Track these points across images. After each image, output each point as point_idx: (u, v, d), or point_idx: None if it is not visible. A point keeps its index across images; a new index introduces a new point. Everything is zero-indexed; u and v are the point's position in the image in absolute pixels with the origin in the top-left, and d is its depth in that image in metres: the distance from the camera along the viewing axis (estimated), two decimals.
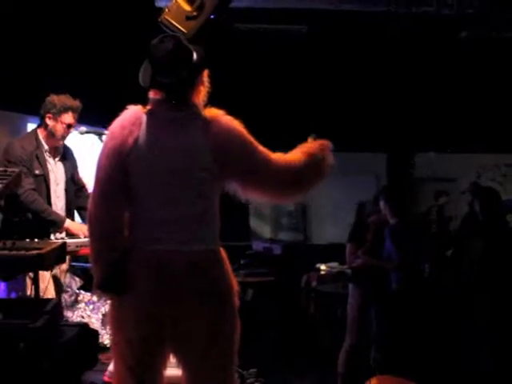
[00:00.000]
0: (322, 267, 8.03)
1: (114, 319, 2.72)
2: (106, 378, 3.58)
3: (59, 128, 4.58)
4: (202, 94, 2.80)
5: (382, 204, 5.57)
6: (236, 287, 2.76)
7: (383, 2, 6.20)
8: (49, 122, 4.58)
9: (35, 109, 4.88)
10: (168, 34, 2.87)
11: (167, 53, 2.70)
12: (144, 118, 2.71)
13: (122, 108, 2.81)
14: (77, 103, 4.65)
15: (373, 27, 7.04)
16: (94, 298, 5.34)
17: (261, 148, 2.78)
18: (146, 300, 2.61)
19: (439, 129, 9.29)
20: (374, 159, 9.98)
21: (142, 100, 2.90)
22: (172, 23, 4.37)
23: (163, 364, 2.78)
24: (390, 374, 4.49)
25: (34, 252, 2.37)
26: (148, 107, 2.78)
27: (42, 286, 3.82)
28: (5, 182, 2.47)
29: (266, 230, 10.18)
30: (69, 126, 4.61)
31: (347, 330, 5.60)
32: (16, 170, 2.65)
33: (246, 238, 9.17)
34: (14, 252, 2.38)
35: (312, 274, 8.02)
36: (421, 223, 7.68)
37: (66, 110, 4.57)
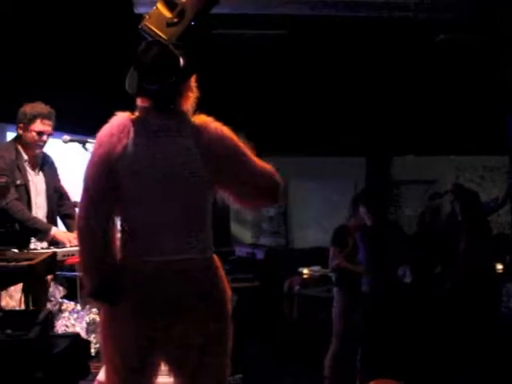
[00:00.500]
0: (305, 271, 8.05)
1: (105, 328, 2.69)
2: None
3: (30, 137, 4.50)
4: (190, 100, 2.76)
5: (361, 207, 5.57)
6: (229, 294, 2.75)
7: (363, 8, 6.24)
8: (21, 132, 4.53)
9: (14, 117, 4.82)
10: (154, 40, 2.81)
11: (153, 59, 2.67)
12: (132, 125, 2.67)
13: (106, 116, 2.78)
14: (46, 109, 4.55)
15: (352, 32, 7.08)
16: (78, 307, 5.31)
17: (250, 154, 2.76)
18: (140, 310, 2.58)
19: (417, 132, 9.35)
20: (353, 163, 10.02)
21: (127, 107, 2.88)
22: (153, 30, 4.35)
23: (155, 372, 2.76)
24: (376, 377, 4.50)
25: (25, 263, 2.34)
26: (136, 114, 2.75)
27: (16, 296, 3.75)
28: None
29: (247, 235, 10.18)
30: (40, 134, 4.52)
31: (333, 333, 5.61)
32: (3, 180, 2.61)
33: (228, 243, 9.15)
34: (4, 263, 2.35)
35: (295, 278, 8.03)
36: (399, 226, 7.66)
37: (34, 117, 4.49)
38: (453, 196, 6.08)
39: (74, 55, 6.37)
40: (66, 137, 4.35)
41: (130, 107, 2.83)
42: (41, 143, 4.57)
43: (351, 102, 8.79)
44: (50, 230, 4.44)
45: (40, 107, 4.53)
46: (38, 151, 4.61)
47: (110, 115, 2.77)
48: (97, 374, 3.65)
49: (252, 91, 8.21)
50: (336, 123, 9.01)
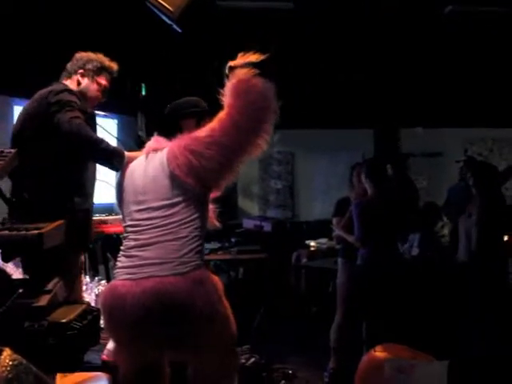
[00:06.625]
0: (312, 244, 8.08)
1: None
2: (104, 357, 3.60)
3: (94, 89, 3.76)
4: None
5: (363, 178, 5.54)
6: (220, 311, 2.80)
7: None
8: (80, 78, 3.74)
9: (20, 91, 4.77)
10: None
11: None
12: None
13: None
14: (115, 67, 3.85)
15: (358, 3, 7.02)
16: (87, 279, 5.34)
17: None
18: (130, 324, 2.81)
19: (426, 103, 9.30)
20: (361, 135, 9.98)
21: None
22: (158, 1, 4.34)
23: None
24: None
25: (35, 232, 2.36)
26: None
27: None
28: (2, 162, 2.44)
29: (254, 208, 10.19)
30: (104, 91, 3.82)
31: (338, 304, 5.64)
32: (12, 150, 2.60)
33: (235, 216, 9.16)
34: (14, 232, 2.37)
35: (302, 251, 8.06)
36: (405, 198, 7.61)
37: (103, 69, 3.79)
38: (465, 169, 6.00)
39: (82, 33, 6.32)
40: None
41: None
42: (99, 101, 3.86)
43: (358, 73, 8.74)
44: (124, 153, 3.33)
45: (108, 61, 3.84)
46: (90, 110, 3.73)
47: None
48: (105, 344, 3.69)
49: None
50: (343, 95, 8.97)
